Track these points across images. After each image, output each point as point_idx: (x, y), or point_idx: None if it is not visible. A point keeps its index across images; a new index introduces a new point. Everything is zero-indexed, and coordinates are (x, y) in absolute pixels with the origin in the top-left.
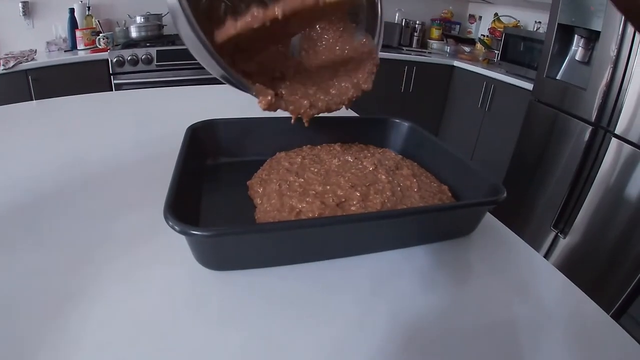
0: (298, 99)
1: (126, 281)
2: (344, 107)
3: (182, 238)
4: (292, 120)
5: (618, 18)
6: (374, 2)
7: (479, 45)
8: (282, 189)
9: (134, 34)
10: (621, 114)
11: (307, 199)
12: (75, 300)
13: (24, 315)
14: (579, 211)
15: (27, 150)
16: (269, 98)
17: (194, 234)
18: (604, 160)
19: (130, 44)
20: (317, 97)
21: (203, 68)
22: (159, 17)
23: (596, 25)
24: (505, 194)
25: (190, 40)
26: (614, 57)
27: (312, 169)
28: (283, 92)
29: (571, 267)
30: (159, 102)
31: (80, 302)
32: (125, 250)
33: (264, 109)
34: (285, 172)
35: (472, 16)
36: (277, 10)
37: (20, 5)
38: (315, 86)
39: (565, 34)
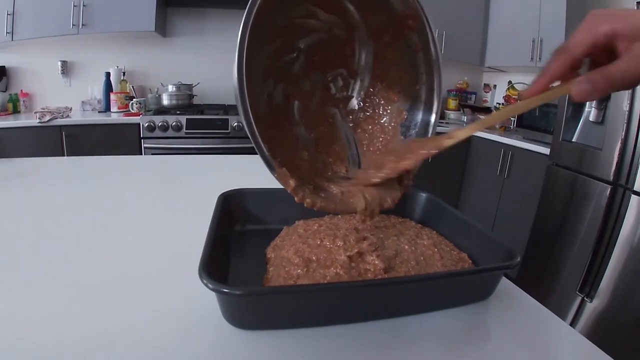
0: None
1: (153, 335)
2: None
3: (212, 297)
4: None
5: None
6: (427, 129)
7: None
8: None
9: (165, 101)
10: (639, 170)
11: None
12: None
13: None
14: (604, 273)
15: (56, 205)
16: (290, 188)
17: (225, 292)
18: (625, 219)
19: (162, 110)
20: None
21: (229, 137)
22: (189, 87)
23: None
24: (518, 259)
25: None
26: (626, 114)
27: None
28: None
29: (600, 331)
30: (188, 168)
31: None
32: (154, 308)
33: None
34: (297, 239)
35: (487, 85)
36: None
37: (59, 63)
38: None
39: None
